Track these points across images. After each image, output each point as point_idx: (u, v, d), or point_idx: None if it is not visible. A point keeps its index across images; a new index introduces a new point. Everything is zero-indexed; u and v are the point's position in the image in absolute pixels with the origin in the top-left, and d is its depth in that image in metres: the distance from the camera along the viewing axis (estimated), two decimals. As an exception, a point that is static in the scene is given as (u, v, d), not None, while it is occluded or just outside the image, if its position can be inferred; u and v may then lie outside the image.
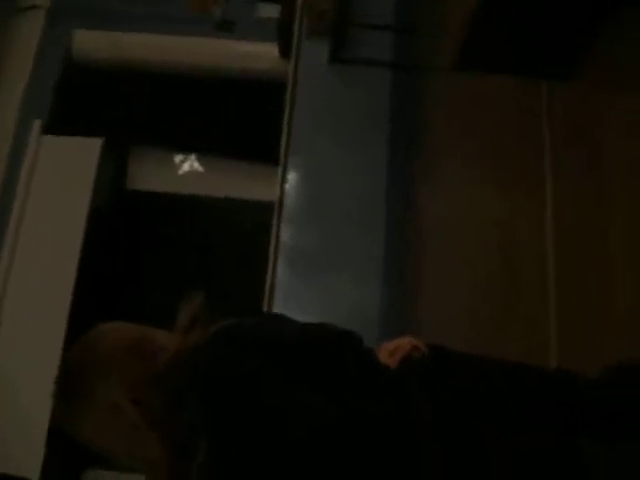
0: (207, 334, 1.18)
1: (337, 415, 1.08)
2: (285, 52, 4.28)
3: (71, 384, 1.18)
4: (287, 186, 4.09)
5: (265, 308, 3.74)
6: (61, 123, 4.43)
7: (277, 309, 3.70)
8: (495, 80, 2.15)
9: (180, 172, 5.33)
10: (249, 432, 1.07)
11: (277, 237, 3.97)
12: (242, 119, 4.90)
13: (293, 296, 3.82)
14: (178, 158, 5.35)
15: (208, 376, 1.11)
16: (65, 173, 4.25)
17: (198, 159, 5.35)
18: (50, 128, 4.36)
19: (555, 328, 1.72)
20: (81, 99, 4.61)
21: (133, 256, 5.01)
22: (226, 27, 4.47)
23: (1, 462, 3.69)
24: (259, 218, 4.36)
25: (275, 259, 3.92)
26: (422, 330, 2.69)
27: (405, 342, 1.43)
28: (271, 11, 4.46)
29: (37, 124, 4.28)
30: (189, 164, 5.35)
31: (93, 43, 4.48)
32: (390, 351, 1.41)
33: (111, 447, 1.17)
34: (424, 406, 1.20)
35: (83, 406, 1.16)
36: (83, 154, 4.30)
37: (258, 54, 4.46)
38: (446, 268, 2.67)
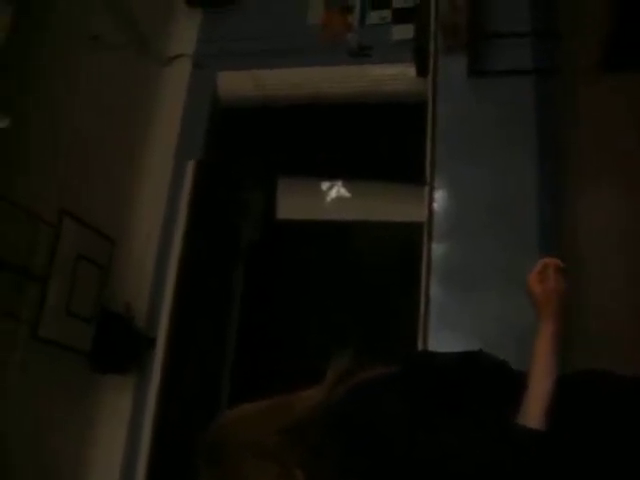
0: (348, 387, 1.18)
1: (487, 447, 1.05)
2: (422, 71, 4.27)
3: (214, 456, 1.20)
4: (435, 205, 4.05)
5: (420, 328, 3.71)
6: (213, 161, 4.66)
7: (432, 329, 3.66)
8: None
9: (328, 199, 5.42)
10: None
11: (428, 257, 3.93)
12: (384, 142, 4.92)
13: (447, 315, 3.75)
14: (325, 185, 5.44)
15: (350, 429, 1.11)
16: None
17: (344, 185, 5.42)
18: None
19: None
20: (230, 137, 4.82)
21: (287, 286, 5.13)
22: (363, 52, 4.52)
23: None
24: (408, 239, 4.34)
25: (428, 279, 3.88)
26: (577, 348, 2.55)
27: (546, 263, 1.40)
28: (405, 32, 4.47)
29: (191, 165, 4.52)
30: (336, 190, 5.43)
31: (236, 83, 4.68)
32: (538, 278, 1.38)
33: None
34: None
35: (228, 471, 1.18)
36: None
37: (395, 76, 4.47)
38: (606, 286, 2.52)
